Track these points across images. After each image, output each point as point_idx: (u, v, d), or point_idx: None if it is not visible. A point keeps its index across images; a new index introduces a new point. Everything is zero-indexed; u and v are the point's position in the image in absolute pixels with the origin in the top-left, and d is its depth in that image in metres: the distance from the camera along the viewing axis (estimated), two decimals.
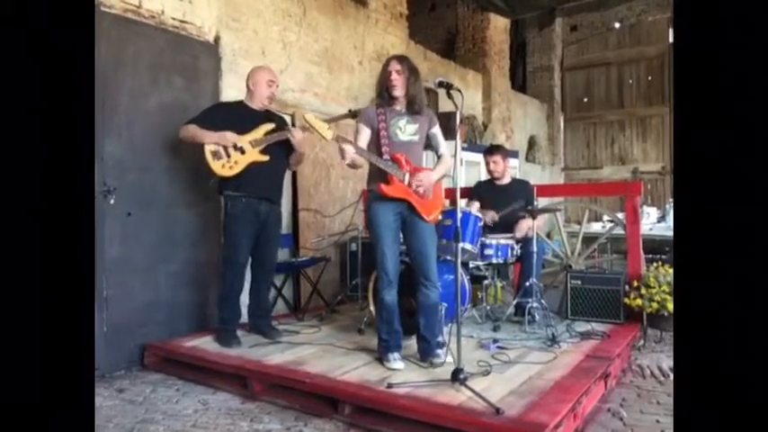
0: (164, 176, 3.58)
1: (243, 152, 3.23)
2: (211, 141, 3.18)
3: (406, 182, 2.78)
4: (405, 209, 2.83)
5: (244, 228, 3.31)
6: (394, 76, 2.78)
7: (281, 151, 3.41)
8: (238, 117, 3.31)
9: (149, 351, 3.37)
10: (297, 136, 3.35)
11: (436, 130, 2.93)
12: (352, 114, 3.62)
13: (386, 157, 2.78)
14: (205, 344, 3.35)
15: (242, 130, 3.26)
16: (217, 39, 4.01)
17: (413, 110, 2.84)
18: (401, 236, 2.92)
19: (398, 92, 2.80)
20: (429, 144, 2.95)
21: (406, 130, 2.83)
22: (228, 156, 3.21)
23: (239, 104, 3.43)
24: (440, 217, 3.05)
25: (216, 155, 3.19)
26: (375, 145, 2.83)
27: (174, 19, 3.69)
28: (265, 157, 3.29)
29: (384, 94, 2.84)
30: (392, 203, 2.80)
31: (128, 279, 3.35)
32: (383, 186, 2.77)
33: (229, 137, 3.19)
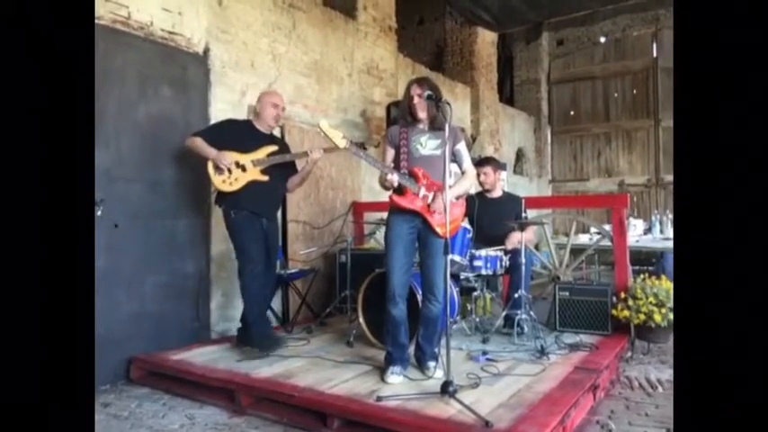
0: (151, 187, 3.56)
1: (244, 170, 3.31)
2: (210, 158, 3.27)
3: (421, 195, 2.80)
4: (420, 223, 2.85)
5: (252, 233, 3.36)
6: (416, 99, 2.83)
7: (282, 174, 3.50)
8: (244, 136, 3.41)
9: (135, 364, 3.33)
10: (315, 156, 3.43)
11: (461, 147, 2.97)
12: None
13: (403, 171, 2.83)
14: (192, 357, 3.31)
15: (246, 149, 3.35)
16: (206, 50, 4.01)
17: (434, 127, 2.88)
18: (416, 249, 2.94)
19: (422, 114, 2.86)
20: (454, 160, 2.97)
21: (427, 145, 2.87)
22: (230, 172, 3.28)
23: (247, 124, 3.55)
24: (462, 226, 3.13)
25: (218, 169, 3.28)
26: (395, 161, 2.90)
27: (162, 30, 3.68)
28: (265, 177, 3.36)
29: (408, 117, 2.90)
30: (407, 216, 2.83)
31: (114, 291, 3.31)
32: (394, 196, 2.81)
33: (227, 157, 3.27)
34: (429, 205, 2.80)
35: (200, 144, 3.30)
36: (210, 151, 3.28)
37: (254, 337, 3.33)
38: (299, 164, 3.62)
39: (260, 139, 3.44)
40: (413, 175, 2.82)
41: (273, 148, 3.44)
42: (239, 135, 3.39)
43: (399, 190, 2.82)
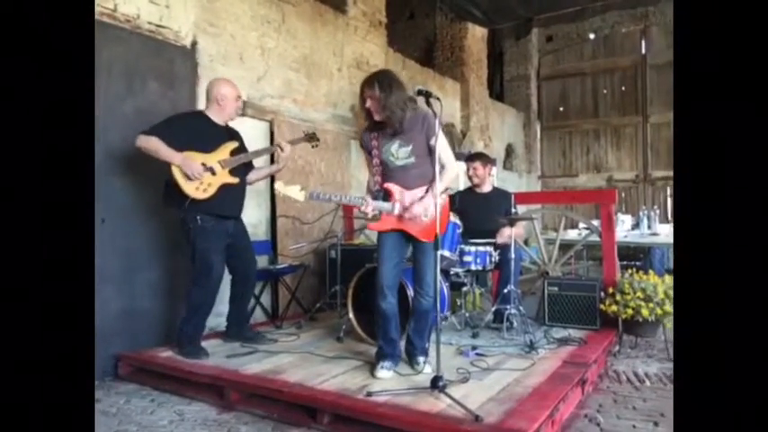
0: (139, 183, 3.52)
1: (214, 173, 3.16)
2: (177, 164, 3.05)
3: (396, 213, 2.77)
4: (404, 233, 2.84)
5: (216, 243, 3.23)
6: (368, 103, 2.73)
7: (244, 170, 3.40)
8: (202, 133, 3.22)
9: (123, 361, 3.30)
10: (286, 151, 3.35)
11: (435, 141, 2.77)
12: (308, 138, 3.60)
13: (376, 188, 2.81)
14: None
15: (207, 147, 3.18)
16: (194, 44, 3.97)
17: (402, 128, 2.75)
18: (408, 247, 2.92)
19: (379, 116, 2.74)
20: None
21: (399, 154, 2.78)
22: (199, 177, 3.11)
23: (200, 117, 3.32)
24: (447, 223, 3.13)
25: (187, 176, 3.07)
26: (372, 171, 2.86)
27: (150, 23, 3.64)
28: (235, 180, 3.25)
29: (369, 121, 2.83)
30: (391, 232, 2.82)
31: (101, 287, 3.25)
32: (370, 225, 2.81)
33: (195, 165, 3.07)
34: (407, 213, 2.76)
35: (157, 146, 3.03)
36: (175, 156, 3.04)
37: (182, 342, 3.24)
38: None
39: (219, 135, 3.28)
40: (387, 194, 2.79)
41: (234, 144, 3.31)
42: (197, 132, 3.19)
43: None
